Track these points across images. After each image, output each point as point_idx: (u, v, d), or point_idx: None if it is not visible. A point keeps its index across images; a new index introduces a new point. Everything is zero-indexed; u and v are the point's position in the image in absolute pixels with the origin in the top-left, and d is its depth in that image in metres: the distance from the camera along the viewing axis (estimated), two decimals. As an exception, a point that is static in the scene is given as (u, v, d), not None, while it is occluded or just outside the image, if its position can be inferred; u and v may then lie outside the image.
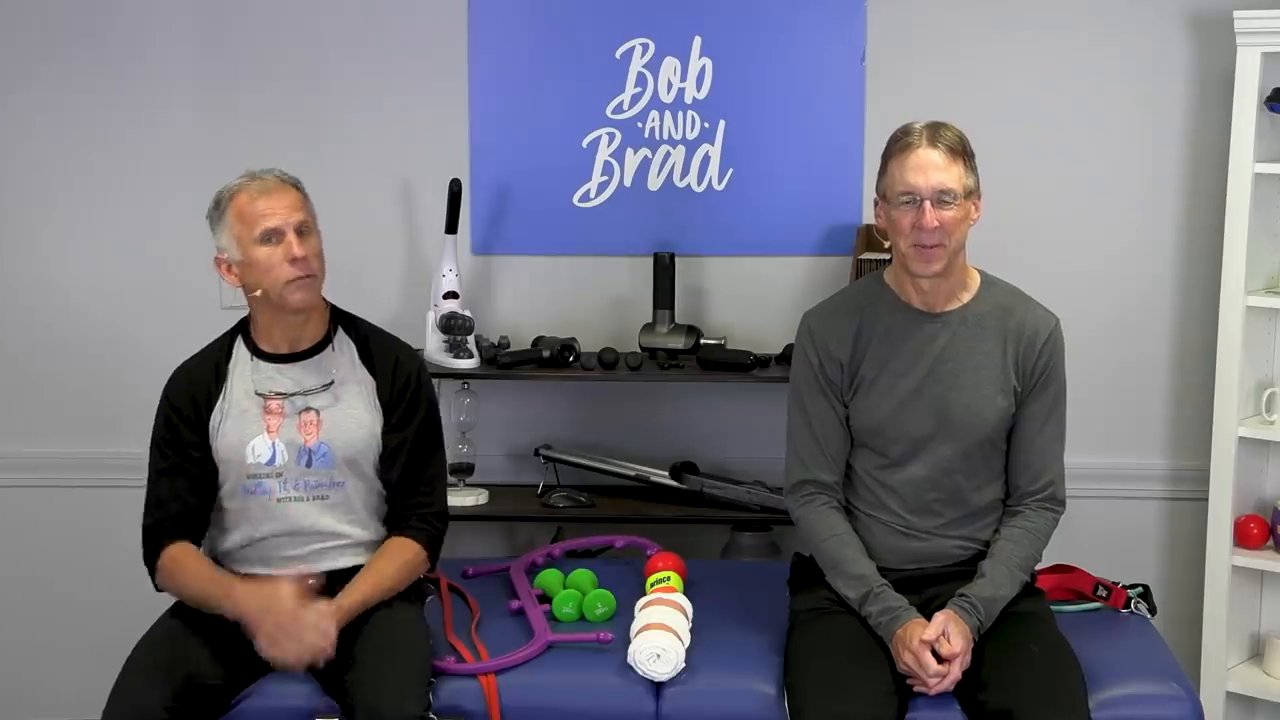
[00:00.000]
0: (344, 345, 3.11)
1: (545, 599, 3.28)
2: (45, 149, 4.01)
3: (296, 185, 3.04)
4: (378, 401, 3.08)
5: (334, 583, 3.01)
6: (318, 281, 3.03)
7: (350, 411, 3.06)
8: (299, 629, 2.85)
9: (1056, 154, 3.90)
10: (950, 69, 3.88)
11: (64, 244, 4.03)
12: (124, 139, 3.99)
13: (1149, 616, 3.29)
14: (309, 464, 3.02)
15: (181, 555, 3.00)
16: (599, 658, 3.05)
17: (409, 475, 3.10)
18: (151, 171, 4.00)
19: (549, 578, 3.35)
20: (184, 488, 3.03)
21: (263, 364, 3.06)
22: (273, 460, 3.01)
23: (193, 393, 3.05)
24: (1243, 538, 3.71)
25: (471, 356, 3.78)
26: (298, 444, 3.02)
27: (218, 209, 3.00)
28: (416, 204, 3.96)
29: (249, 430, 3.01)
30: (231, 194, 2.99)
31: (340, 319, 3.14)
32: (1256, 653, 3.84)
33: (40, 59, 3.97)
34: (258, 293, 2.99)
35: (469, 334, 3.79)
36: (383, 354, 3.12)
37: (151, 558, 3.02)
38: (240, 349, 3.08)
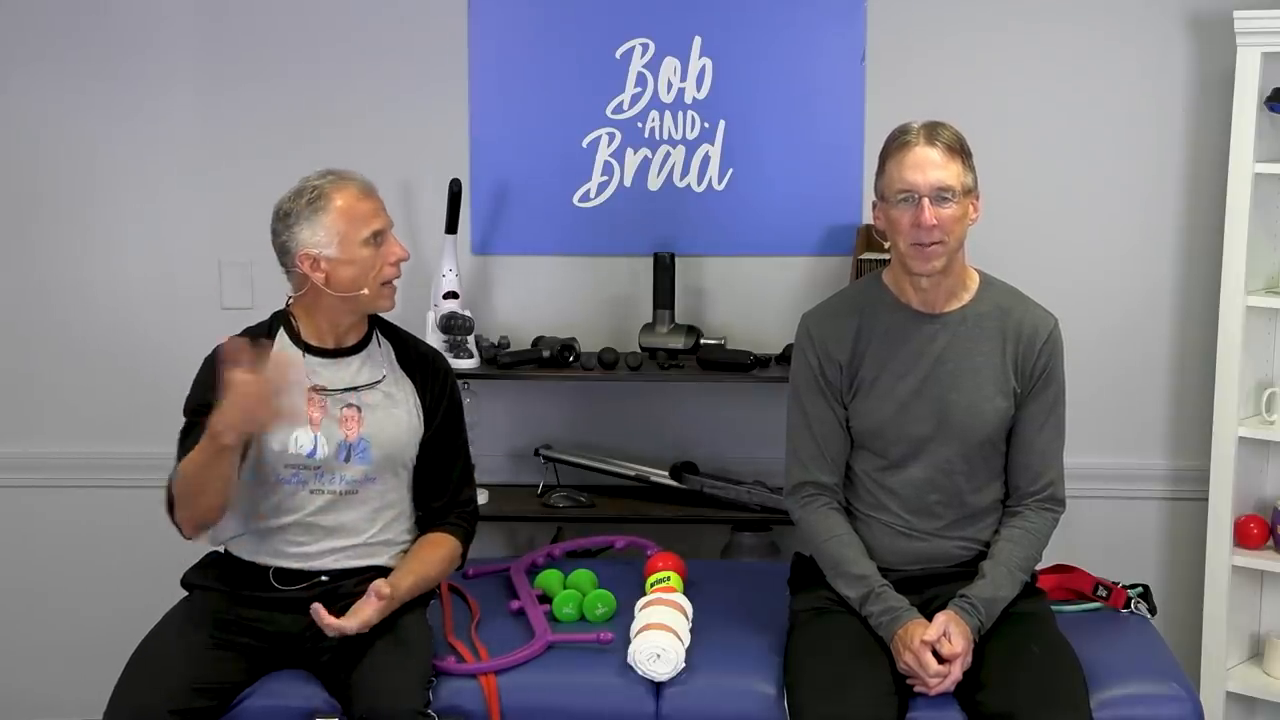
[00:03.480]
0: (384, 346, 3.14)
1: (545, 599, 3.28)
2: (44, 148, 4.01)
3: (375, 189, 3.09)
4: (419, 403, 3.11)
5: (341, 578, 3.01)
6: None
7: (392, 410, 3.08)
8: (268, 392, 2.78)
9: (1056, 154, 3.90)
10: (950, 69, 3.88)
11: (63, 243, 4.03)
12: (124, 138, 3.98)
13: (1149, 616, 3.29)
14: (348, 459, 3.03)
15: (182, 468, 2.91)
16: (599, 658, 3.05)
17: (446, 474, 3.15)
18: (152, 171, 4.00)
19: (549, 578, 3.35)
20: None
21: (308, 356, 3.05)
22: (314, 453, 3.01)
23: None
24: (1243, 538, 3.71)
25: (471, 356, 3.78)
26: (338, 438, 3.02)
27: (311, 204, 2.97)
28: (416, 204, 3.96)
29: (292, 420, 2.99)
30: (329, 191, 2.98)
31: (376, 320, 3.15)
32: (1256, 653, 3.84)
33: (39, 57, 3.96)
34: (350, 291, 2.99)
35: (469, 334, 3.79)
36: (420, 357, 3.17)
37: (170, 498, 2.93)
38: (282, 339, 3.06)
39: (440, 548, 3.12)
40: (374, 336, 3.13)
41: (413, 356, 3.16)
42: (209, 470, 2.85)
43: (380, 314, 3.13)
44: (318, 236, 2.98)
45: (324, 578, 3.02)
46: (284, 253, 3.02)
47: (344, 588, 3.01)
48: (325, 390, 3.04)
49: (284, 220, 3.00)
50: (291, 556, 3.03)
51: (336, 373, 3.06)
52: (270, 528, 3.03)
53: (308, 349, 3.06)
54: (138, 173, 4.00)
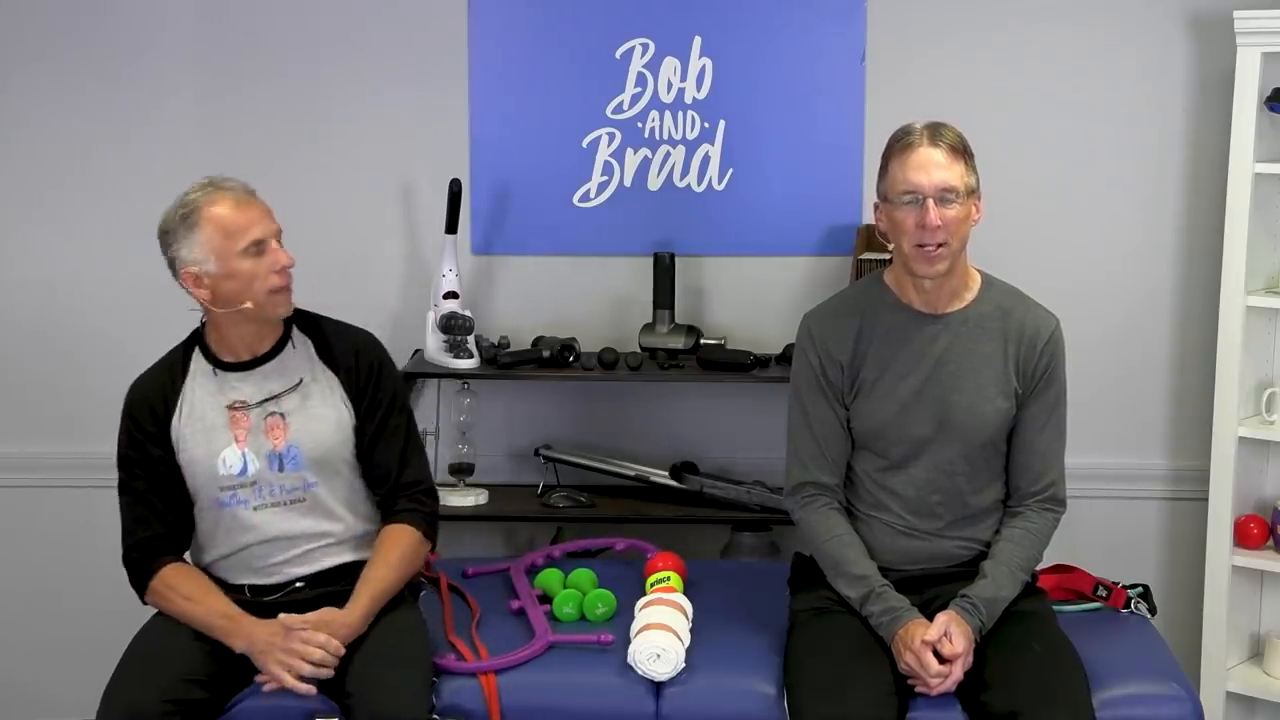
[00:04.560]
0: (301, 344, 3.07)
1: (545, 599, 3.28)
2: (44, 147, 4.00)
3: (256, 195, 3.01)
4: (345, 396, 3.05)
5: (323, 581, 3.01)
6: (292, 289, 3.02)
7: (316, 410, 3.03)
8: (307, 651, 2.84)
9: (1056, 154, 3.90)
10: (950, 69, 3.88)
11: (57, 243, 4.03)
12: (122, 138, 3.98)
13: (1149, 616, 3.29)
14: (280, 468, 2.99)
15: (176, 579, 2.97)
16: (599, 658, 3.05)
17: (388, 460, 3.08)
18: (148, 171, 3.98)
19: (549, 578, 3.35)
20: (160, 504, 3.00)
21: (224, 374, 3.01)
22: (244, 470, 2.98)
23: (150, 404, 3.00)
24: (1243, 538, 3.71)
25: (471, 356, 3.77)
26: (266, 450, 2.99)
27: (186, 220, 2.93)
28: (416, 204, 3.96)
29: (217, 442, 2.98)
30: (202, 204, 2.93)
31: (295, 318, 3.09)
32: (1256, 653, 3.84)
33: (39, 57, 3.96)
34: (235, 305, 2.94)
35: (469, 334, 3.79)
36: (342, 347, 3.08)
37: (141, 580, 2.99)
38: (198, 362, 3.04)
39: (393, 552, 3.02)
40: (290, 338, 3.06)
41: (335, 348, 3.07)
42: (208, 632, 2.91)
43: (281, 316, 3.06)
44: (194, 253, 2.93)
45: (299, 583, 3.01)
46: (173, 272, 3.00)
47: (324, 593, 2.99)
48: (245, 405, 3.00)
49: (165, 239, 2.98)
50: (262, 572, 3.01)
51: (253, 384, 3.01)
52: (229, 553, 3.02)
53: (220, 364, 3.02)
54: (138, 172, 3.99)
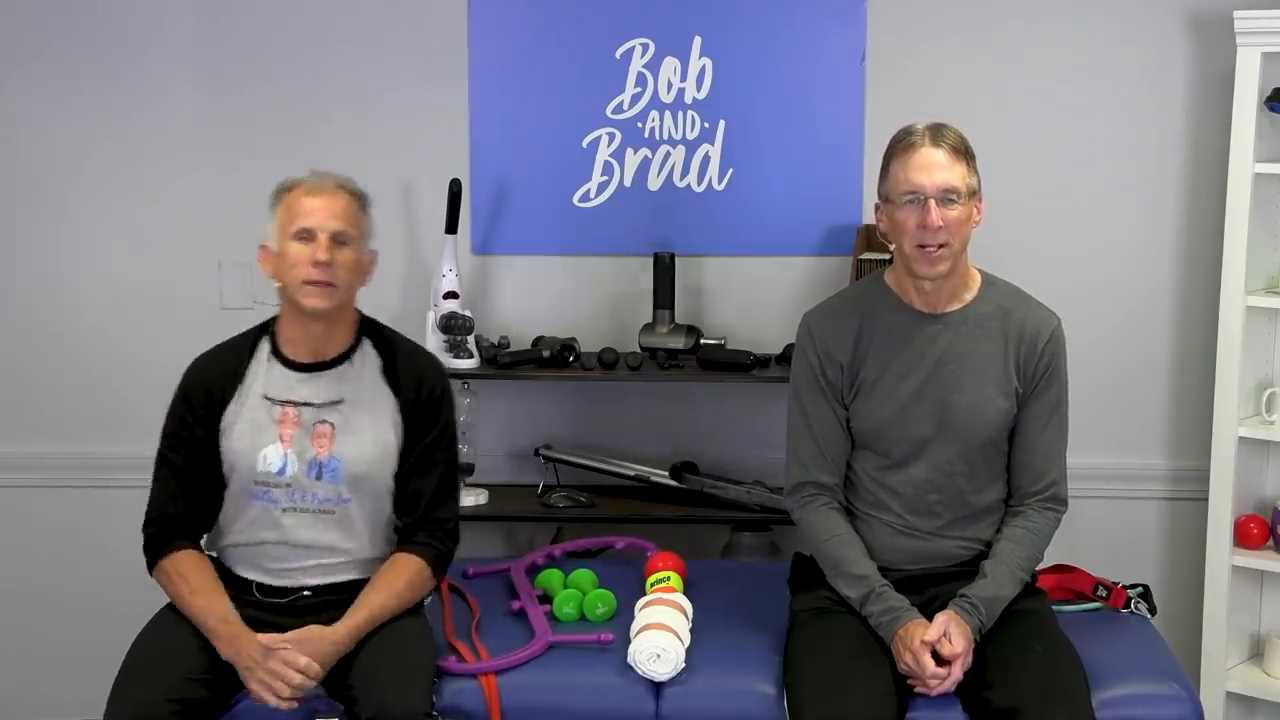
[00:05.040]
0: (368, 358, 3.05)
1: (546, 599, 3.28)
2: (43, 147, 4.01)
3: (355, 195, 3.00)
4: (399, 418, 3.02)
5: (330, 593, 2.99)
6: (338, 293, 2.95)
7: (366, 428, 3.00)
8: (287, 674, 2.82)
9: (1057, 154, 3.90)
10: (950, 69, 3.88)
11: (62, 242, 4.03)
12: (123, 138, 3.98)
13: (1149, 616, 3.29)
14: (318, 477, 2.97)
15: (187, 567, 2.96)
16: (599, 658, 3.05)
17: (422, 490, 3.04)
18: (152, 171, 4.00)
19: (549, 578, 3.35)
20: (193, 485, 3.00)
21: (284, 370, 3.01)
22: (283, 471, 2.96)
23: (207, 387, 3.00)
24: (1243, 538, 3.71)
25: (471, 356, 3.77)
26: (309, 456, 2.97)
27: (276, 196, 2.99)
28: (416, 204, 3.96)
29: (263, 437, 2.97)
30: (289, 186, 2.99)
31: (369, 329, 3.08)
32: (1256, 653, 3.84)
33: (39, 57, 3.96)
34: (281, 287, 2.98)
35: (469, 334, 3.79)
36: (408, 368, 3.06)
37: (154, 553, 3.00)
38: (263, 350, 3.03)
39: (397, 580, 2.98)
40: (359, 348, 3.05)
41: (401, 368, 3.05)
42: (200, 626, 2.92)
43: (372, 318, 3.09)
44: (269, 228, 2.99)
45: (306, 592, 3.00)
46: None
47: (328, 600, 2.98)
48: (298, 406, 2.98)
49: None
50: (273, 572, 3.00)
51: (311, 388, 3.00)
52: (246, 544, 3.01)
53: (284, 360, 3.01)
54: (137, 172, 4.00)
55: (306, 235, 2.93)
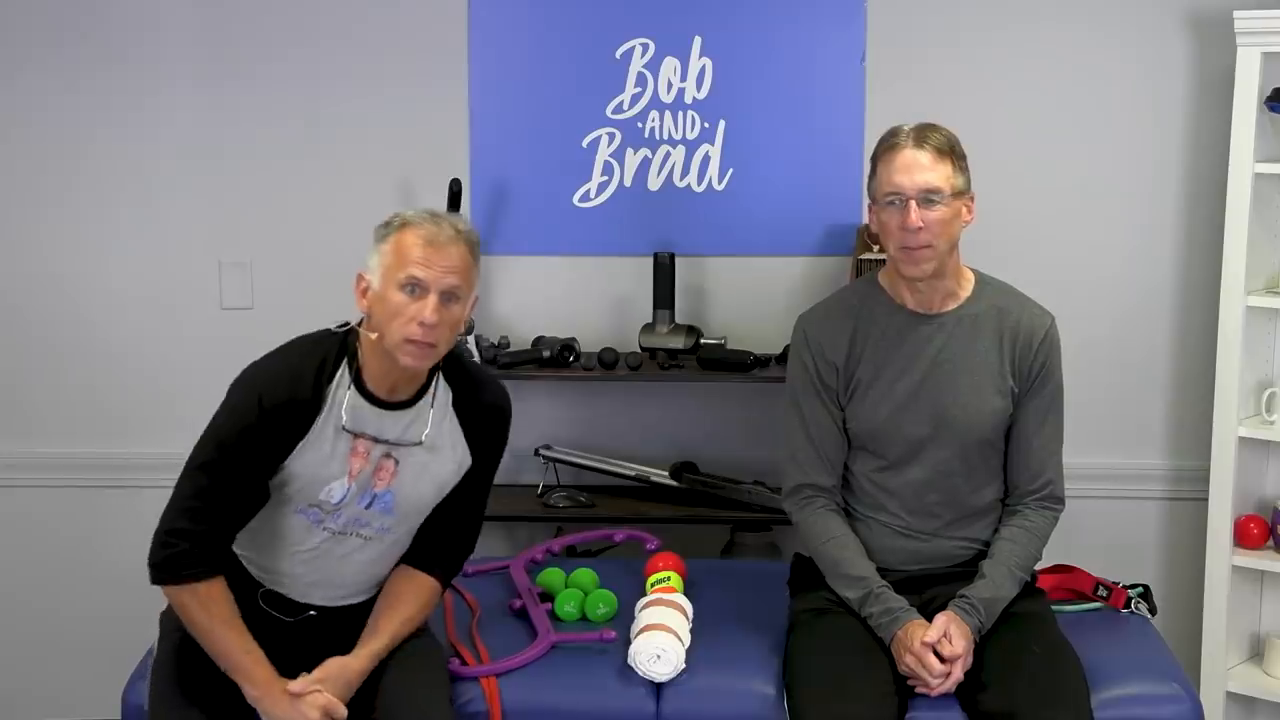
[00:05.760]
0: (442, 394, 2.89)
1: (546, 598, 3.28)
2: (44, 147, 4.00)
3: (471, 245, 2.80)
4: (466, 452, 2.90)
5: (332, 617, 2.94)
6: (437, 352, 2.78)
7: (431, 469, 2.88)
8: (307, 713, 2.75)
9: (1056, 154, 3.90)
10: (950, 69, 3.88)
11: (62, 242, 4.03)
12: (123, 138, 3.98)
13: (1149, 616, 3.29)
14: (369, 506, 2.85)
15: (221, 597, 2.78)
16: (599, 658, 3.05)
17: (458, 518, 2.96)
18: (151, 171, 4.00)
19: (550, 577, 3.35)
20: (231, 506, 2.78)
21: (362, 401, 2.80)
22: (342, 499, 2.83)
23: (289, 405, 2.75)
24: (1243, 538, 3.71)
25: (472, 357, 3.77)
26: (368, 486, 2.83)
27: (386, 230, 2.78)
28: (416, 204, 3.94)
29: (333, 468, 2.79)
30: (404, 224, 2.77)
31: (444, 361, 2.89)
32: (1256, 653, 3.84)
33: (37, 57, 3.96)
34: (375, 334, 2.76)
35: (469, 334, 3.79)
36: (482, 408, 2.93)
37: (175, 571, 2.76)
38: (344, 376, 2.81)
39: (418, 599, 2.91)
40: (434, 384, 2.88)
41: (474, 405, 2.91)
42: (218, 660, 2.78)
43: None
44: (372, 262, 2.77)
45: (312, 611, 2.92)
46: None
47: (332, 625, 2.92)
48: (371, 440, 2.81)
49: (373, 242, 2.82)
50: (286, 585, 2.89)
51: (385, 423, 2.82)
52: (275, 551, 2.88)
53: (364, 394, 2.81)
54: (137, 172, 4.00)
55: (417, 288, 2.73)
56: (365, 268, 2.79)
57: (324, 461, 2.79)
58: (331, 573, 2.90)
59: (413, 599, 2.92)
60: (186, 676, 2.82)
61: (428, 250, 2.73)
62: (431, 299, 2.72)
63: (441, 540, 2.97)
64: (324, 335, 2.86)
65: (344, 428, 2.79)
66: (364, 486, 2.84)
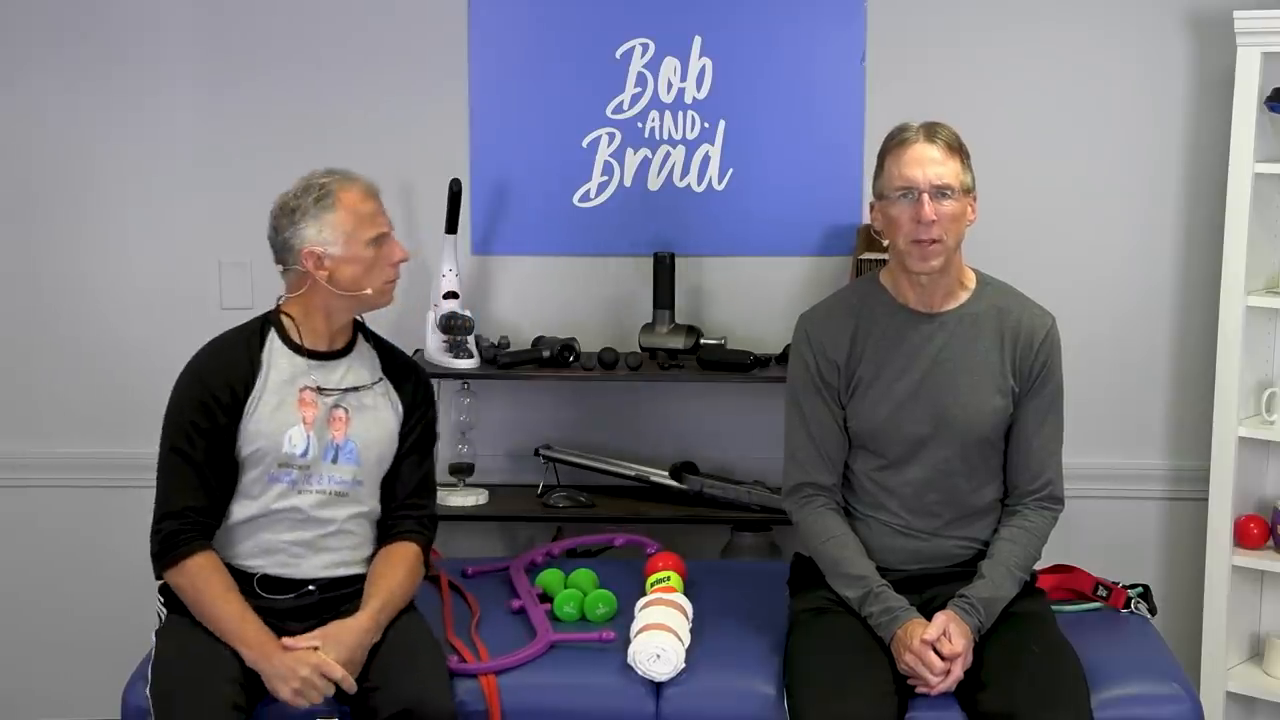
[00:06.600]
0: (367, 350, 3.14)
1: (545, 598, 3.28)
2: (43, 147, 4.00)
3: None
4: (400, 411, 3.11)
5: (330, 589, 3.00)
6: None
7: (377, 414, 3.08)
8: (317, 680, 2.83)
9: (1056, 154, 3.90)
10: (950, 69, 3.88)
11: (63, 243, 4.02)
12: (124, 138, 3.98)
13: (1149, 616, 3.29)
14: (335, 460, 3.02)
15: (214, 568, 2.93)
16: (599, 658, 3.05)
17: (410, 478, 3.12)
18: (151, 171, 3.99)
19: (550, 577, 3.35)
20: (210, 479, 2.96)
21: (297, 357, 3.03)
22: (305, 453, 2.99)
23: (227, 374, 2.98)
24: (1243, 538, 3.71)
25: (471, 356, 3.77)
26: (326, 439, 3.02)
27: (319, 202, 2.98)
28: (416, 204, 3.96)
29: (286, 419, 2.98)
30: (336, 189, 3.00)
31: (359, 325, 3.16)
32: (1256, 653, 3.84)
33: (37, 58, 3.96)
34: (353, 291, 3.01)
35: (469, 334, 3.79)
36: (403, 365, 3.18)
37: (171, 553, 2.91)
38: (274, 341, 3.04)
39: (404, 562, 3.04)
40: (359, 340, 3.13)
41: (397, 363, 3.16)
42: (220, 634, 2.88)
43: (369, 314, 3.15)
44: (324, 234, 2.98)
45: (311, 587, 2.99)
46: (285, 249, 3.01)
47: (330, 598, 2.99)
48: (317, 391, 3.02)
49: (289, 216, 3.00)
50: (281, 557, 2.99)
51: (328, 374, 3.05)
52: (261, 517, 2.98)
53: (299, 350, 3.04)
54: (137, 172, 3.99)
55: (381, 240, 3.04)
56: (305, 242, 2.98)
57: (273, 412, 2.98)
58: (321, 533, 3.00)
59: (400, 564, 3.04)
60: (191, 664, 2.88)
61: (372, 204, 3.05)
62: (392, 238, 3.08)
63: (404, 510, 3.10)
64: (243, 323, 3.11)
65: (283, 380, 3.00)
66: (324, 439, 3.00)
